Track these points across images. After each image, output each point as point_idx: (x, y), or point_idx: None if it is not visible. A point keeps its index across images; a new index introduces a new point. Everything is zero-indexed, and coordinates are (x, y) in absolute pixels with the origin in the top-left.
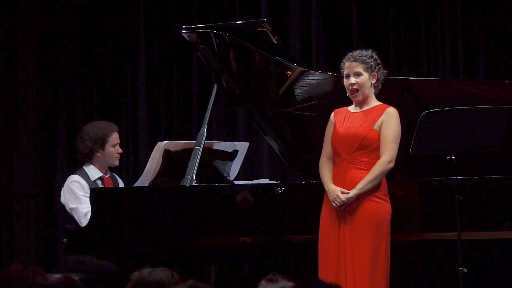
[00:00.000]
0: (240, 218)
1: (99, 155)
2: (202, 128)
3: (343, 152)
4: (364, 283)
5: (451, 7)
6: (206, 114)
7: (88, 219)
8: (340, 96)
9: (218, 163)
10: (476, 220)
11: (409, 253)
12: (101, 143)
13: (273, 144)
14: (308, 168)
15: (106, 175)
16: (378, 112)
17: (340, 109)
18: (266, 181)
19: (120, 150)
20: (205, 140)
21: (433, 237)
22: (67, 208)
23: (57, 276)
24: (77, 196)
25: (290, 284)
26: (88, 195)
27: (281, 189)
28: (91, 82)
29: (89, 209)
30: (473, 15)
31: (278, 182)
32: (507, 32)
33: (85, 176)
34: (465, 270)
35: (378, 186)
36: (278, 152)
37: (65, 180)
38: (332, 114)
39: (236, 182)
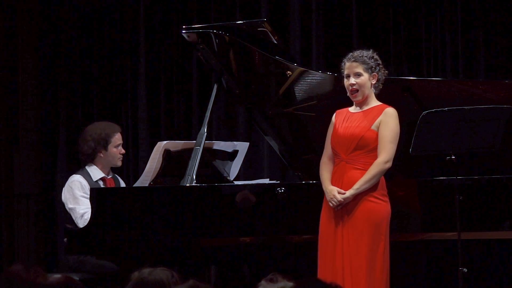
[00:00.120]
0: (240, 218)
1: (102, 155)
2: (202, 128)
3: (341, 152)
4: (361, 284)
5: (451, 6)
6: (206, 114)
7: (85, 220)
8: (340, 96)
9: (218, 163)
10: (476, 220)
11: (409, 253)
12: (104, 143)
13: (273, 144)
14: (308, 168)
15: (108, 176)
16: (377, 112)
17: (341, 110)
18: (266, 181)
19: (123, 151)
20: (205, 140)
21: (433, 237)
22: (66, 207)
23: (57, 276)
24: (75, 197)
25: (290, 284)
26: (88, 196)
27: (281, 189)
28: (91, 82)
29: (87, 210)
30: (473, 15)
31: (278, 182)
32: (507, 32)
33: (87, 176)
34: (465, 270)
35: (376, 186)
36: (278, 152)
37: (66, 179)
38: (334, 115)
39: (236, 182)
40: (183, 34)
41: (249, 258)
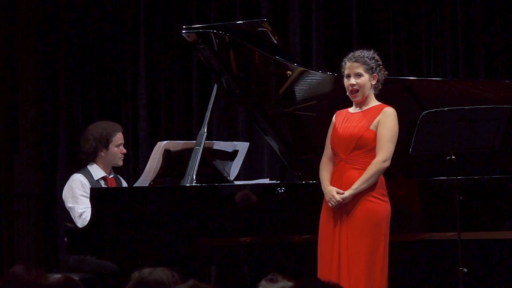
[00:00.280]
0: (240, 218)
1: (103, 154)
2: (202, 128)
3: (340, 152)
4: (361, 284)
5: (451, 6)
6: (206, 114)
7: (83, 220)
8: (340, 96)
9: (218, 163)
10: (476, 220)
11: (409, 253)
12: (105, 142)
13: (273, 144)
14: (308, 168)
15: (109, 175)
16: (376, 112)
17: (341, 110)
18: (266, 181)
19: (124, 150)
20: (205, 140)
21: (433, 237)
22: (65, 205)
23: (58, 276)
24: (75, 196)
25: (290, 284)
26: (88, 195)
27: (281, 189)
28: (91, 82)
29: (86, 209)
30: (473, 15)
31: (278, 182)
32: (507, 32)
33: (88, 176)
34: (465, 270)
35: (375, 186)
36: (278, 152)
37: (66, 179)
38: (334, 115)
39: (236, 182)
40: (183, 34)
41: (249, 258)
